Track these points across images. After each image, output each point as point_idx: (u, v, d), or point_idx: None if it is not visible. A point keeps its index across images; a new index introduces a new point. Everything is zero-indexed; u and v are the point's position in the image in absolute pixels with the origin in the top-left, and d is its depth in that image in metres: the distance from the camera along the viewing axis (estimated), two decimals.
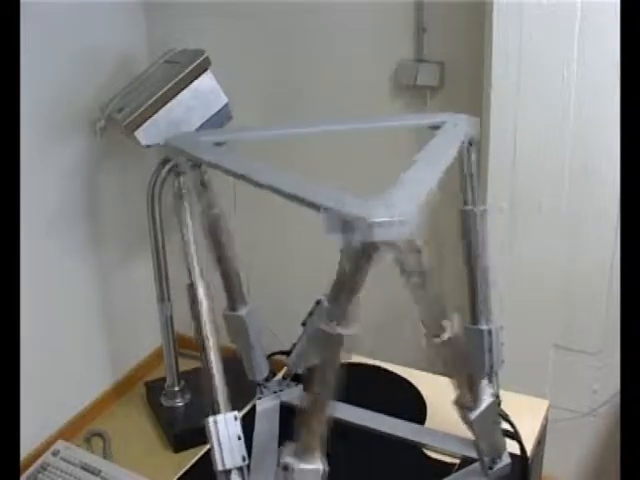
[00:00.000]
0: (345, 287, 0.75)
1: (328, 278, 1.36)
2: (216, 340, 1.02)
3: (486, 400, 0.99)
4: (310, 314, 1.27)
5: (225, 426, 0.99)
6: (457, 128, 1.06)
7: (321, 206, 0.71)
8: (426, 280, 0.79)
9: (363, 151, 1.93)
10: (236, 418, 1.00)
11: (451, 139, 1.02)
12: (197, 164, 1.02)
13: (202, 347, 1.01)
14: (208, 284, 1.02)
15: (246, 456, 1.00)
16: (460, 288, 1.14)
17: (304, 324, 1.28)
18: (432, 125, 1.11)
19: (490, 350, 1.16)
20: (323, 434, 0.87)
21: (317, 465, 0.87)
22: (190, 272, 1.02)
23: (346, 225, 0.68)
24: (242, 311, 1.19)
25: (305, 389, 0.86)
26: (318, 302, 1.27)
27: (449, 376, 1.10)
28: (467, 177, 1.08)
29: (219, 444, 0.98)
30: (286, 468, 0.86)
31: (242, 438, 1.00)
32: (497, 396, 1.01)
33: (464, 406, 0.98)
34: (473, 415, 0.98)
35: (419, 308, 0.84)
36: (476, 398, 0.98)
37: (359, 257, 0.71)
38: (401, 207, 0.70)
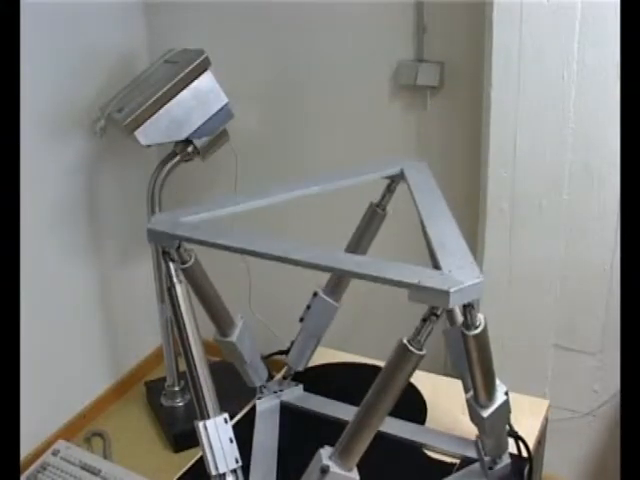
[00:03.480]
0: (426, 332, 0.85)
1: (328, 276, 1.36)
2: (199, 341, 1.01)
3: (500, 398, 0.99)
4: (308, 307, 1.27)
5: (215, 430, 0.98)
6: (422, 174, 1.12)
7: (409, 284, 0.80)
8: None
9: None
10: (226, 421, 1.00)
11: (427, 187, 1.08)
12: (176, 247, 1.01)
13: (185, 350, 1.01)
14: (187, 285, 1.02)
15: (239, 458, 0.99)
16: None
17: (302, 320, 1.28)
18: (389, 176, 1.16)
19: None
20: (366, 446, 0.88)
21: (354, 475, 0.89)
22: (168, 275, 1.02)
23: (437, 295, 0.79)
24: (232, 337, 1.17)
25: (366, 398, 0.88)
26: (315, 294, 1.27)
27: (461, 376, 1.09)
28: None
29: (211, 448, 0.98)
30: (324, 471, 0.87)
31: (234, 440, 0.99)
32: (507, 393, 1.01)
33: (479, 403, 0.98)
34: (486, 412, 0.98)
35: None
36: (491, 396, 0.98)
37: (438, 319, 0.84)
38: (464, 274, 0.82)
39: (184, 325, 1.01)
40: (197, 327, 1.02)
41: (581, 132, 1.54)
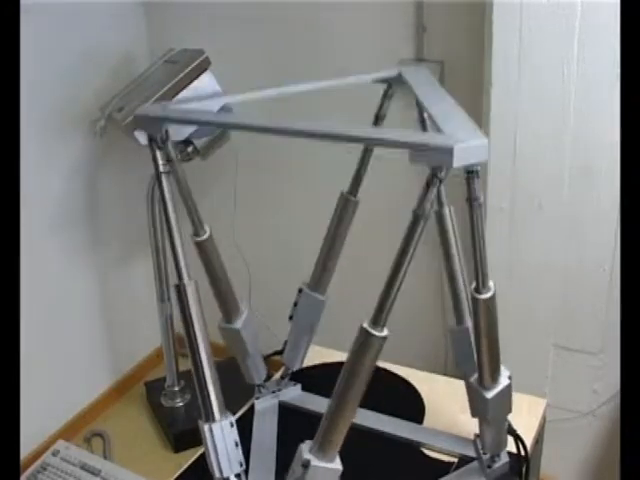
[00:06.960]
0: (408, 251, 0.81)
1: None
2: (207, 342, 0.99)
3: (503, 381, 0.99)
4: (295, 304, 1.27)
5: (221, 433, 0.97)
6: (423, 75, 1.07)
7: (408, 143, 0.77)
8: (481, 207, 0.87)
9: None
10: (232, 425, 0.99)
11: (431, 86, 1.03)
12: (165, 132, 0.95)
13: (193, 350, 0.98)
14: (196, 284, 0.99)
15: (243, 461, 0.99)
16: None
17: (291, 317, 1.28)
18: (386, 78, 1.13)
19: None
20: (344, 435, 0.87)
21: (337, 465, 0.88)
22: (178, 272, 0.99)
23: (440, 153, 0.75)
24: (238, 323, 1.17)
25: (335, 388, 0.87)
26: (300, 290, 1.26)
27: (464, 374, 1.09)
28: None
29: (215, 452, 0.96)
30: (305, 465, 0.86)
31: (239, 445, 0.99)
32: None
33: (484, 385, 0.98)
34: (490, 394, 0.98)
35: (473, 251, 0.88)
36: (495, 376, 0.98)
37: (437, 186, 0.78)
38: (468, 136, 0.77)
39: (173, 225, 0.97)
40: (205, 324, 0.99)
41: (581, 132, 1.54)
